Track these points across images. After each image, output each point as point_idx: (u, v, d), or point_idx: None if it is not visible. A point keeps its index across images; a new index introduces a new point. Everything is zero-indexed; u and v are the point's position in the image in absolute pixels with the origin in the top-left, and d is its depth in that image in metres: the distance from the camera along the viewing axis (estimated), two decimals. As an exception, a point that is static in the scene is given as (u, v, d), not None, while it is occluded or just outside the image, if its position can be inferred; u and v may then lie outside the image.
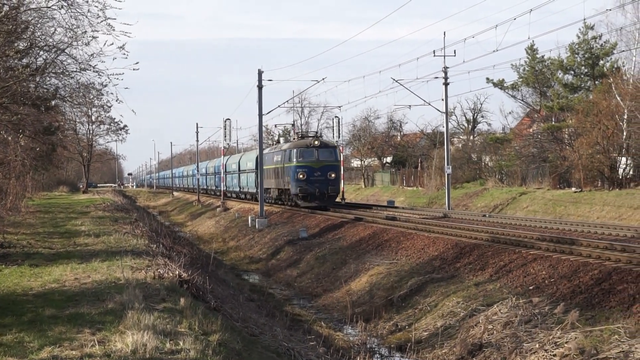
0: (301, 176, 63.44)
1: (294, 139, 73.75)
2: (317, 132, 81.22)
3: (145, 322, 14.26)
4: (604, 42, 64.88)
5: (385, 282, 29.15)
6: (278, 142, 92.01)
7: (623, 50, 64.14)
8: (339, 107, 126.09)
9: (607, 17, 72.12)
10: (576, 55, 65.26)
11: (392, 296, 26.74)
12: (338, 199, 68.90)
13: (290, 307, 28.98)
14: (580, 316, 18.11)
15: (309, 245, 43.23)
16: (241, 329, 18.42)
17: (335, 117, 76.44)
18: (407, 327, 23.16)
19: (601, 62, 66.12)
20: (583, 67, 66.55)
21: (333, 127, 76.80)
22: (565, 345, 16.73)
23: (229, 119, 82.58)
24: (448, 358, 19.18)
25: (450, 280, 25.83)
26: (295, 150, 65.24)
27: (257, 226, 59.80)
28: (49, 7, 24.09)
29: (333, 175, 63.73)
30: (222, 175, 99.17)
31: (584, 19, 61.13)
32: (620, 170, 56.17)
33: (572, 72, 68.42)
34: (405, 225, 39.52)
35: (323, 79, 63.20)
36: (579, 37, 65.27)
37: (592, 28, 64.73)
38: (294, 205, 66.43)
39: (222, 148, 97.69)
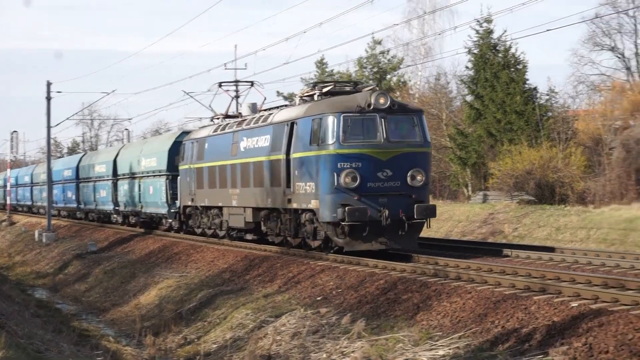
0: (348, 180, 24.88)
1: (302, 97, 29.54)
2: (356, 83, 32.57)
3: None
4: (392, 56, 66.26)
5: (174, 295, 28.81)
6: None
7: (409, 65, 65.61)
8: (129, 119, 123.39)
9: (394, 32, 73.57)
10: (364, 69, 66.41)
11: (181, 309, 26.42)
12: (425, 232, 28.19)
13: (77, 323, 28.15)
14: (366, 326, 18.31)
15: (98, 259, 42.31)
16: (26, 345, 17.87)
17: (125, 129, 71.16)
18: (196, 340, 22.92)
19: (388, 76, 67.43)
20: (371, 81, 67.89)
21: (123, 139, 67.13)
22: (352, 354, 16.89)
23: (15, 131, 75.71)
24: (237, 370, 19.00)
25: (240, 293, 25.74)
26: (333, 118, 25.29)
27: (44, 240, 53.46)
28: None
29: (420, 177, 25.68)
30: (7, 188, 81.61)
31: (372, 34, 62.25)
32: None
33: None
34: (195, 238, 39.26)
35: (113, 90, 56.45)
36: (367, 52, 66.42)
37: (379, 43, 65.98)
38: (315, 248, 27.22)
39: (9, 161, 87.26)
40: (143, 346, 23.22)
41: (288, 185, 27.08)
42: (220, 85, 40.01)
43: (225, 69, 60.00)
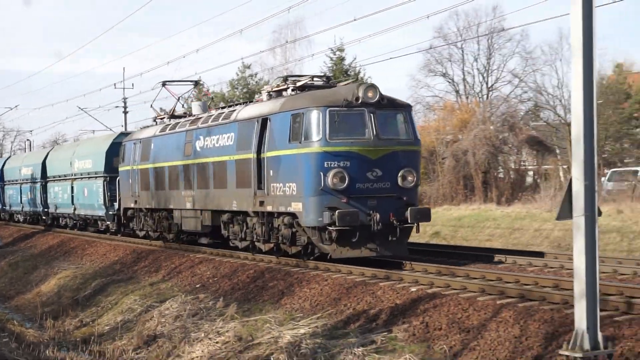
0: (336, 180, 19.19)
1: (270, 92, 23.04)
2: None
3: None
4: (259, 79, 66.05)
5: (72, 284, 28.10)
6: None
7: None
8: (30, 131, 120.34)
9: (260, 58, 73.39)
10: (236, 90, 66.03)
11: (78, 296, 25.81)
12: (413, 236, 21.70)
13: (-16, 309, 27.45)
14: (238, 309, 18.20)
15: (3, 253, 40.84)
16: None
17: (27, 140, 69.42)
18: (91, 322, 22.43)
19: (256, 95, 67.43)
20: (241, 100, 67.77)
21: (25, 148, 65.21)
22: (226, 333, 16.75)
23: None
24: (126, 348, 18.70)
25: (129, 281, 25.29)
26: (318, 112, 19.57)
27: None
28: None
29: (411, 178, 20.05)
30: None
31: (242, 59, 62.09)
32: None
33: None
34: (90, 235, 38.42)
35: (16, 106, 55.73)
36: (237, 75, 66.10)
37: (248, 67, 65.64)
38: (293, 255, 21.38)
39: None
40: (44, 329, 22.73)
41: (260, 186, 21.24)
42: (164, 85, 31.83)
43: (115, 88, 59.41)
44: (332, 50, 54.98)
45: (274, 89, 22.83)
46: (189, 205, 25.79)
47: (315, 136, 19.30)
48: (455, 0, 52.80)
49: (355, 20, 29.08)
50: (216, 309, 19.00)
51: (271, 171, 20.70)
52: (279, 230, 21.05)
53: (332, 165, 19.05)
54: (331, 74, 49.89)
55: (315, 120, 19.35)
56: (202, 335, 17.22)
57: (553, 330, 12.28)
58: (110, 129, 58.16)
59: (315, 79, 22.66)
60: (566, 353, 9.62)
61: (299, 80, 22.41)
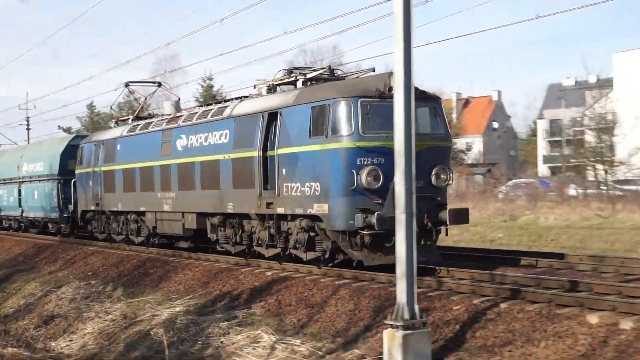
0: (370, 179, 13.83)
1: (272, 86, 17.50)
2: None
3: None
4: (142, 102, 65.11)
5: (-20, 274, 26.86)
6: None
7: (154, 109, 64.96)
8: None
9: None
10: (122, 111, 64.75)
11: (-15, 284, 24.67)
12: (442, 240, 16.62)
13: None
14: (124, 292, 17.82)
15: None
16: None
17: None
18: (-3, 306, 21.49)
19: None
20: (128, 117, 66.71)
21: None
22: (114, 313, 16.35)
23: None
24: (28, 327, 17.90)
25: (31, 271, 24.28)
26: (348, 104, 14.11)
27: None
28: None
29: (444, 176, 14.86)
30: None
31: (128, 86, 61.24)
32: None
33: (117, 123, 68.23)
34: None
35: None
36: (124, 98, 65.06)
37: (133, 92, 64.60)
38: (311, 262, 15.54)
39: None
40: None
41: (266, 187, 15.93)
42: (127, 86, 26.70)
43: (19, 109, 57.43)
44: (202, 79, 55.66)
45: (276, 83, 17.39)
46: (167, 208, 20.12)
47: (345, 130, 14.05)
48: (303, 39, 53.37)
49: (222, 54, 28.92)
50: (105, 292, 18.58)
51: (284, 170, 15.27)
52: (289, 234, 15.80)
53: (365, 162, 14.04)
54: (202, 99, 49.63)
55: (345, 112, 14.12)
56: (93, 314, 16.73)
57: (380, 305, 12.43)
58: (15, 143, 54.34)
59: (326, 72, 16.91)
60: (390, 322, 9.72)
61: (307, 72, 16.95)
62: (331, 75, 16.70)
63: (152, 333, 14.27)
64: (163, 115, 22.61)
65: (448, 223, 14.56)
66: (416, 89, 12.67)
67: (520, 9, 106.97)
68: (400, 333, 9.57)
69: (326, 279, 14.73)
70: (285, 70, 17.49)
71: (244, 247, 17.45)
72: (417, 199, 12.12)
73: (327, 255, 14.93)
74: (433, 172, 14.64)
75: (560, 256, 16.73)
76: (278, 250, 16.30)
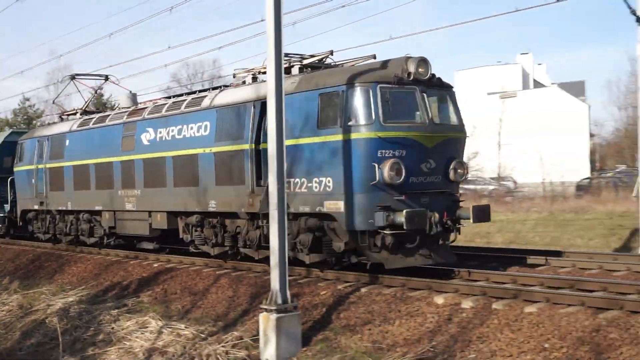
0: (392, 173, 10.92)
1: (258, 74, 14.01)
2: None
3: None
4: (37, 109, 62.12)
5: None
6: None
7: (48, 115, 62.47)
8: None
9: (37, 93, 69.48)
10: (17, 117, 61.83)
11: None
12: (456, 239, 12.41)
13: None
14: (20, 284, 16.94)
15: None
16: None
17: None
18: None
19: (34, 121, 63.89)
20: (23, 125, 63.42)
21: None
22: (10, 303, 15.52)
23: None
24: None
25: None
26: (366, 90, 11.17)
27: None
28: None
29: (461, 171, 11.98)
30: None
31: (22, 93, 58.88)
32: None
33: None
34: None
35: None
36: (19, 105, 62.17)
37: (28, 99, 61.94)
38: (315, 265, 12.54)
39: None
40: None
41: (259, 182, 12.89)
42: (73, 78, 22.33)
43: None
44: (93, 88, 53.30)
45: (262, 71, 13.81)
46: (130, 207, 16.63)
47: (364, 119, 11.24)
48: (186, 54, 52.78)
49: (111, 66, 27.77)
50: (2, 285, 17.58)
51: (285, 164, 10.66)
52: (298, 235, 12.42)
53: (386, 155, 11.24)
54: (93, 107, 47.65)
55: (363, 99, 11.31)
56: (-10, 306, 15.80)
57: (256, 291, 12.31)
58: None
59: (328, 57, 13.52)
60: (265, 307, 9.64)
61: (306, 58, 13.44)
62: (325, 64, 13.43)
63: (47, 322, 13.64)
64: (121, 108, 18.54)
65: (472, 220, 11.92)
66: (433, 75, 11.73)
67: (376, 31, 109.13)
68: (274, 316, 9.53)
69: (208, 269, 14.47)
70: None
71: (226, 249, 14.21)
72: (434, 195, 11.58)
73: (334, 258, 12.20)
74: (451, 167, 11.97)
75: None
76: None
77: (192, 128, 14.50)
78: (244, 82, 14.23)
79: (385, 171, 11.02)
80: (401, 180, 11.13)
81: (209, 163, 13.99)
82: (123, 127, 16.90)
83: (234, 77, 14.81)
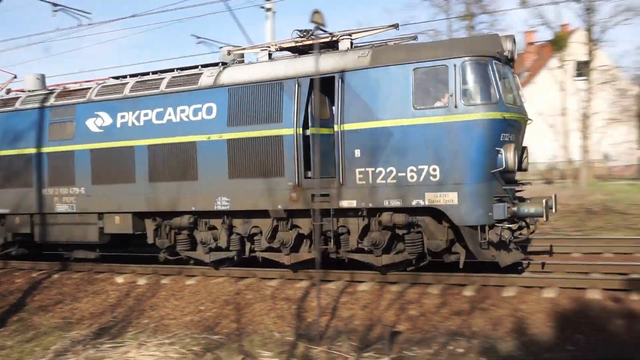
0: (516, 160, 9.81)
1: (300, 47, 11.53)
2: None
3: None
4: None
5: None
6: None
7: None
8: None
9: None
10: None
11: None
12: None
13: None
14: None
15: None
16: None
17: None
18: None
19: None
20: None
21: None
22: None
23: None
24: None
25: None
26: (483, 65, 9.81)
27: None
28: None
29: (526, 159, 10.84)
30: None
31: None
32: None
33: None
34: None
35: None
36: None
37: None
38: (391, 267, 10.81)
39: None
40: None
41: (307, 174, 10.92)
42: None
43: None
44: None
45: (305, 42, 11.45)
46: (64, 208, 13.29)
47: (485, 97, 9.82)
48: None
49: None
50: None
51: (357, 151, 10.41)
52: (339, 235, 11.01)
53: (507, 139, 9.97)
54: None
55: (482, 74, 9.90)
56: None
57: None
58: None
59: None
60: None
61: (357, 32, 11.32)
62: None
63: None
64: (31, 90, 14.76)
65: (554, 210, 10.42)
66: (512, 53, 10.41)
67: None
68: None
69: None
70: (302, 30, 11.56)
71: (233, 254, 11.96)
72: (513, 186, 10.34)
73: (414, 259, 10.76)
74: (524, 154, 10.92)
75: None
76: (306, 256, 11.37)
77: (183, 111, 12.01)
78: (270, 57, 11.93)
79: (510, 157, 9.81)
80: (517, 167, 10.10)
81: (216, 152, 11.62)
82: (50, 111, 13.56)
83: (228, 54, 12.59)
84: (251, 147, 11.23)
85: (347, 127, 10.46)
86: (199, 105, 11.75)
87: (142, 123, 12.30)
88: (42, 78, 15.31)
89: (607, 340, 8.37)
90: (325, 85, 10.76)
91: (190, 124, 11.78)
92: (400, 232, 10.47)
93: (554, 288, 9.81)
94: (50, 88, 14.52)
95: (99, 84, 13.40)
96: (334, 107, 10.70)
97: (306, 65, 11.01)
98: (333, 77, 10.61)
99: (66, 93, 13.66)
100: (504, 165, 9.73)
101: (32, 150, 13.58)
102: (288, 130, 10.89)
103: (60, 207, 13.30)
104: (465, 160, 9.64)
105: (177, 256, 12.53)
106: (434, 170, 9.86)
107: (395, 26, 11.15)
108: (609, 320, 8.78)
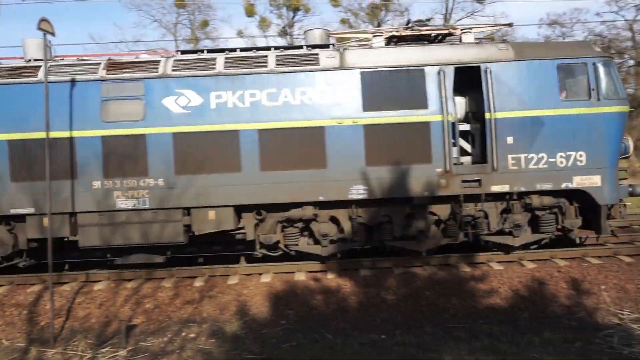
0: (631, 143, 11.84)
1: (422, 35, 11.91)
2: None
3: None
4: None
5: None
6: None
7: None
8: None
9: None
10: None
11: None
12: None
13: None
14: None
15: None
16: None
17: None
18: None
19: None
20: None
21: None
22: None
23: None
24: None
25: None
26: (614, 65, 11.77)
27: None
28: None
29: None
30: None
31: None
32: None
33: None
34: None
35: None
36: None
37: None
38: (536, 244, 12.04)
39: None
40: None
41: (456, 161, 11.41)
42: None
43: None
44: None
45: (436, 31, 11.97)
46: (130, 204, 10.95)
47: (619, 93, 11.46)
48: None
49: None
50: None
51: (509, 138, 11.03)
52: (473, 219, 11.60)
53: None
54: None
55: (614, 73, 11.55)
56: None
57: None
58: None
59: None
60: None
61: (472, 28, 12.03)
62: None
63: None
64: (33, 60, 11.60)
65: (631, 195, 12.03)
66: None
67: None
68: None
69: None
70: (416, 21, 12.14)
71: (353, 244, 11.55)
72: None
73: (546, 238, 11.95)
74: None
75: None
76: (444, 241, 11.65)
77: (304, 93, 11.10)
78: (389, 43, 11.92)
79: (630, 145, 11.62)
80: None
81: (350, 138, 11.03)
82: (100, 85, 11.13)
83: (328, 37, 12.08)
84: (392, 133, 11.03)
85: (499, 115, 11.07)
86: (324, 88, 11.13)
87: (247, 104, 11.10)
88: (49, 42, 11.81)
89: (310, 312, 9.81)
90: (461, 74, 11.39)
91: (314, 107, 11.07)
92: (540, 213, 11.55)
93: (270, 274, 11.10)
94: (81, 58, 11.78)
95: (168, 57, 11.52)
96: (483, 96, 11.22)
97: (449, 52, 11.38)
98: (479, 67, 11.24)
99: (125, 65, 11.34)
100: (629, 152, 11.35)
101: (75, 133, 11.00)
102: (436, 116, 11.06)
103: (125, 203, 11.06)
104: (607, 147, 11.03)
105: (275, 252, 11.68)
106: (581, 156, 11.04)
107: (510, 25, 12.10)
108: (311, 296, 10.19)
